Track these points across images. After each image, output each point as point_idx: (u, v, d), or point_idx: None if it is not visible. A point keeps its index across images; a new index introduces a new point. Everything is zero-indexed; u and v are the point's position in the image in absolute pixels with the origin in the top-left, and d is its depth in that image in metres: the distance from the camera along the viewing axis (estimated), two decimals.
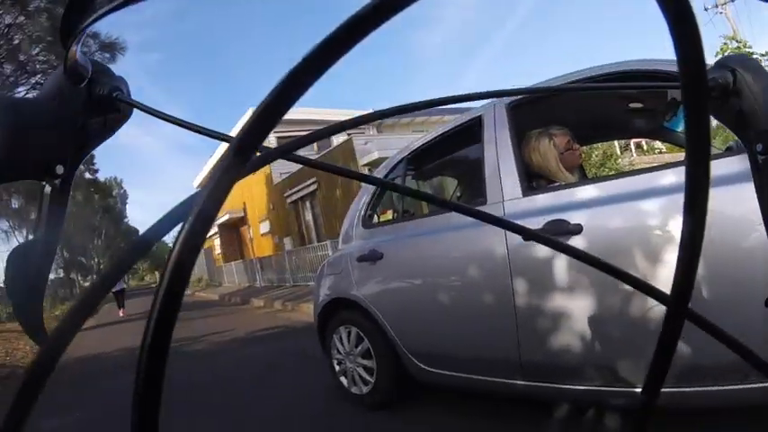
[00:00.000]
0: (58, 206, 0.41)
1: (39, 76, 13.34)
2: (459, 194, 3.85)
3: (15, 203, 16.11)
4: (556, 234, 1.92)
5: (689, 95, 0.19)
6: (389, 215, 2.93)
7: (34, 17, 12.03)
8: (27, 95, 12.48)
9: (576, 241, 1.87)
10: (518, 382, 2.13)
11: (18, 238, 22.11)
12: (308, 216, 16.11)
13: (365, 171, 12.30)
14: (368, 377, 2.88)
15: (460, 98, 0.40)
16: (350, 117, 0.41)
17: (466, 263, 2.30)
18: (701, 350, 1.47)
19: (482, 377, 2.29)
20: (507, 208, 2.18)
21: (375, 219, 3.11)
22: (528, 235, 0.37)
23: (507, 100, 2.33)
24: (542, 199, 2.11)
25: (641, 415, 0.27)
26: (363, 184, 3.11)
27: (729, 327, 0.28)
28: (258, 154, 0.20)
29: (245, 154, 0.17)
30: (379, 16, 0.15)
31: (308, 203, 16.07)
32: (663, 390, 0.26)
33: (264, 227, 20.01)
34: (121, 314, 14.73)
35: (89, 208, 29.20)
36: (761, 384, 1.53)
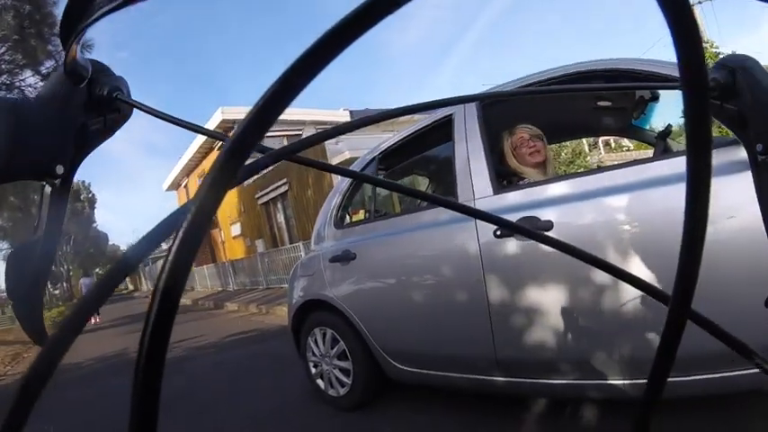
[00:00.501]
0: (58, 206, 0.41)
1: (4, 76, 12.94)
2: (431, 192, 3.86)
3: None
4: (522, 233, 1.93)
5: (690, 96, 0.18)
6: (361, 215, 2.92)
7: (0, 15, 11.64)
8: None
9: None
10: (496, 378, 2.14)
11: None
12: (280, 217, 15.99)
13: None
14: (344, 378, 2.86)
15: (437, 104, 0.41)
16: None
17: (438, 261, 2.30)
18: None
19: (459, 374, 2.30)
20: (478, 206, 2.18)
21: (347, 219, 3.10)
22: (509, 228, 0.37)
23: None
24: (513, 196, 2.12)
25: (644, 413, 0.27)
26: (336, 182, 3.10)
27: (728, 327, 0.27)
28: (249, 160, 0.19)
29: (239, 157, 0.17)
30: (374, 16, 0.16)
31: (279, 205, 15.95)
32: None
33: (236, 229, 19.78)
34: (95, 321, 14.38)
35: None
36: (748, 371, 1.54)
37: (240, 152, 0.17)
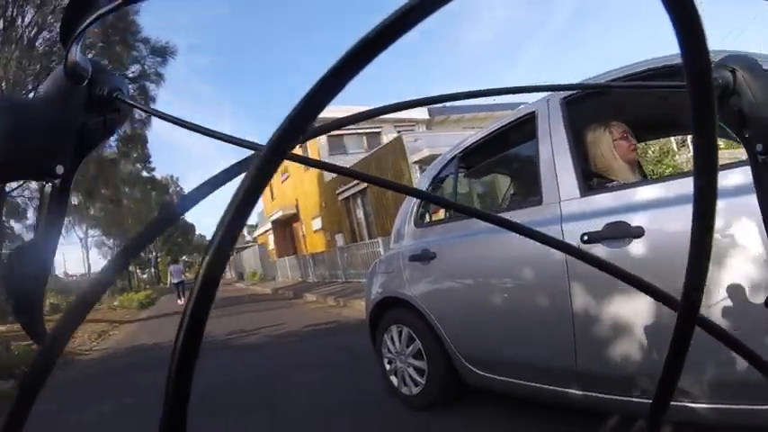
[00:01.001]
0: (58, 206, 0.41)
1: None
2: (512, 193, 3.76)
3: (75, 200, 16.89)
4: (616, 237, 1.83)
5: (696, 96, 0.19)
6: (441, 214, 2.88)
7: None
8: None
9: (638, 245, 1.77)
10: (573, 391, 2.03)
11: (78, 233, 23.22)
12: (360, 213, 16.21)
13: (415, 169, 12.27)
14: (418, 378, 2.85)
15: (441, 98, 0.41)
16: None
17: (521, 265, 2.22)
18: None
19: (536, 384, 2.20)
20: (564, 208, 2.08)
21: (427, 218, 3.07)
22: (540, 239, 0.37)
23: (562, 94, 2.23)
24: (601, 199, 1.99)
25: (653, 421, 0.27)
26: (418, 181, 3.08)
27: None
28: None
29: (280, 154, 0.18)
30: (409, 20, 0.16)
31: (359, 200, 16.17)
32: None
33: (317, 223, 20.27)
34: (180, 302, 16.45)
35: (146, 204, 30.49)
36: None
37: (278, 153, 0.18)
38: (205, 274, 0.18)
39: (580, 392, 2.01)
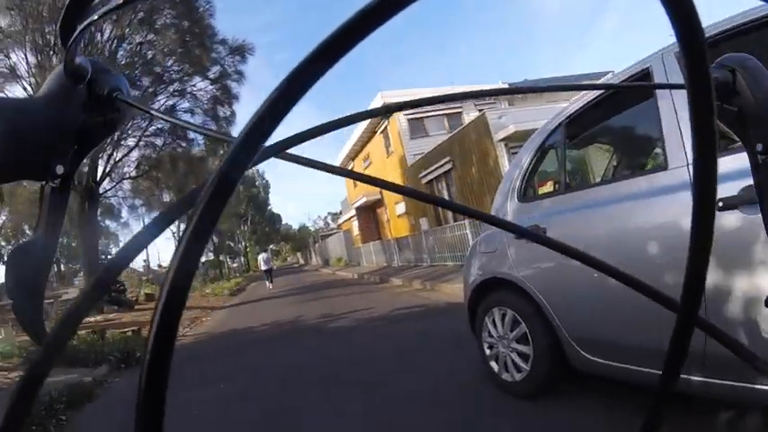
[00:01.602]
0: (58, 206, 0.41)
1: (176, 84, 14.66)
2: (615, 164, 3.45)
3: (166, 197, 17.85)
4: (751, 202, 1.58)
5: (695, 96, 0.19)
6: (550, 187, 2.66)
7: (162, 33, 13.22)
8: (171, 103, 13.77)
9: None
10: (695, 378, 1.81)
11: (171, 227, 24.80)
12: (444, 195, 15.98)
13: (501, 146, 11.87)
14: (522, 363, 2.69)
15: (436, 99, 0.40)
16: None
17: (643, 239, 1.97)
18: None
19: (653, 370, 1.97)
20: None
21: (532, 192, 2.85)
22: (520, 234, 0.37)
23: (677, 47, 1.97)
24: (734, 161, 1.72)
25: (653, 418, 0.27)
26: (519, 153, 2.89)
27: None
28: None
29: (253, 147, 0.17)
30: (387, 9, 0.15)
31: (443, 183, 15.95)
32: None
33: (400, 208, 20.30)
34: (270, 287, 18.24)
35: (235, 197, 31.90)
36: None
37: (253, 144, 0.17)
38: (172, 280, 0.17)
39: (699, 379, 1.79)
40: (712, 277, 1.71)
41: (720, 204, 1.68)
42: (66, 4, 0.35)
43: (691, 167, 1.83)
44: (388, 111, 0.38)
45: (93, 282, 0.19)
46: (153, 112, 0.46)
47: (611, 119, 2.80)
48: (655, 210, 1.96)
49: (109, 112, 0.43)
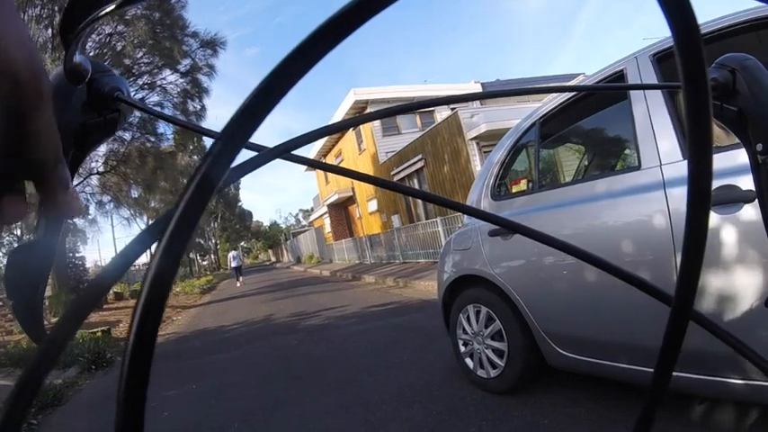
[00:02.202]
0: None
1: (145, 76, 14.36)
2: (587, 163, 3.50)
3: (135, 193, 17.45)
4: (725, 202, 1.63)
5: (691, 96, 0.19)
6: (523, 185, 2.68)
7: (133, 24, 12.95)
8: (141, 96, 13.48)
9: (750, 210, 1.58)
10: (675, 373, 1.83)
11: (139, 225, 24.34)
12: None
13: (473, 145, 11.95)
14: (497, 360, 2.71)
15: (461, 98, 0.41)
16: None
17: (619, 235, 2.01)
18: None
19: (631, 366, 2.02)
20: (666, 173, 1.88)
21: (505, 189, 2.87)
22: (495, 222, 0.36)
23: (652, 50, 2.04)
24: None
25: (646, 415, 0.27)
26: (493, 151, 2.90)
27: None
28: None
29: (230, 152, 0.16)
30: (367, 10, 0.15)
31: (414, 180, 15.99)
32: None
33: (372, 205, 20.30)
34: (239, 284, 18.69)
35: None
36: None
37: (230, 149, 0.16)
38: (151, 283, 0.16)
39: (683, 375, 1.82)
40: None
41: None
42: (67, 3, 0.35)
43: (663, 168, 1.88)
44: (368, 119, 0.36)
45: (77, 303, 0.18)
46: (152, 111, 0.45)
47: (585, 119, 2.84)
48: (628, 208, 2.00)
49: (109, 113, 0.43)
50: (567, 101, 2.47)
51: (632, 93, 2.13)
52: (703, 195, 0.21)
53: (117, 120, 0.43)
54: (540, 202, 2.46)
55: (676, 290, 0.23)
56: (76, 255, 15.02)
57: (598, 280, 2.09)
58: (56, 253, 0.40)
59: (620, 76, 2.16)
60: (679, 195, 1.79)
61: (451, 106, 17.81)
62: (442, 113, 17.75)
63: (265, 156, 0.25)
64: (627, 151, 2.93)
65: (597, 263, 0.32)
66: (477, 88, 19.74)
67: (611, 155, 3.31)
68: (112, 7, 0.33)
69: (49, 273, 0.40)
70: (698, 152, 0.20)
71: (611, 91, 2.41)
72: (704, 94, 0.19)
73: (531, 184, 2.64)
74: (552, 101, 2.56)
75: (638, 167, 1.99)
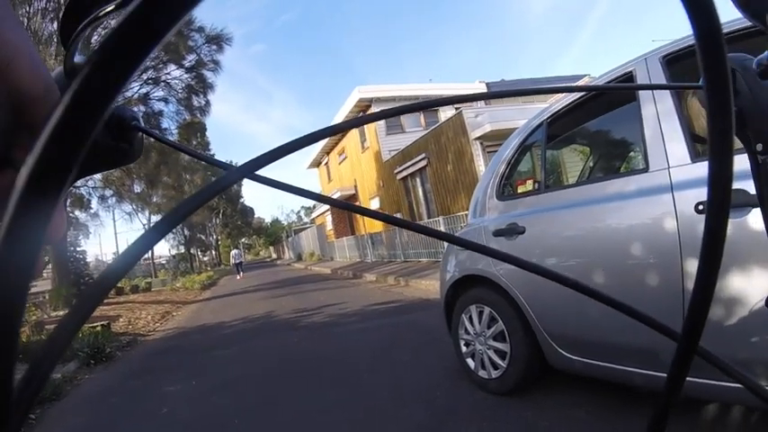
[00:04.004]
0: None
1: (150, 71, 14.36)
2: (592, 164, 3.48)
3: (138, 188, 17.47)
4: (734, 206, 1.60)
5: (713, 95, 0.19)
6: (529, 186, 2.66)
7: None
8: (145, 91, 13.43)
9: (756, 216, 1.55)
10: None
11: (141, 220, 24.38)
12: (419, 192, 16.00)
13: (477, 144, 11.92)
14: (498, 361, 2.69)
15: (464, 98, 0.39)
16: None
17: (626, 238, 1.99)
18: None
19: (637, 369, 2.00)
20: (675, 175, 1.85)
21: (511, 189, 2.85)
22: (484, 252, 0.33)
23: (662, 52, 2.01)
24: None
25: None
26: (499, 151, 2.88)
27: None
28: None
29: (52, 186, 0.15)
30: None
31: (417, 180, 15.95)
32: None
33: (375, 203, 20.27)
34: (239, 278, 20.72)
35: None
36: None
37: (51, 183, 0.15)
38: None
39: (689, 378, 1.78)
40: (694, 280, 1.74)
41: (701, 207, 1.71)
42: (67, 4, 0.35)
43: (672, 170, 1.86)
44: (370, 119, 0.34)
45: (83, 298, 0.18)
46: (173, 144, 0.45)
47: (593, 120, 2.82)
48: (634, 211, 1.97)
49: (122, 142, 0.40)
50: (576, 101, 2.44)
51: (641, 95, 2.10)
52: (722, 202, 0.21)
53: (126, 152, 0.40)
54: (547, 202, 2.44)
55: (684, 324, 0.24)
56: (78, 249, 14.98)
57: (603, 282, 2.07)
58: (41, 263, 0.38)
59: (629, 77, 2.14)
60: (686, 198, 1.77)
61: (456, 106, 17.81)
62: (446, 113, 17.70)
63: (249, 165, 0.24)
64: (634, 153, 2.91)
65: (601, 297, 0.31)
66: (482, 88, 19.70)
67: (617, 157, 3.29)
68: (112, 7, 0.33)
69: (35, 278, 0.38)
70: (720, 151, 0.20)
71: (625, 91, 2.38)
72: (726, 94, 0.19)
73: (537, 185, 2.62)
74: (560, 101, 2.54)
75: (646, 170, 1.97)
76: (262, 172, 0.28)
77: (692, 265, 1.73)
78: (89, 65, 0.14)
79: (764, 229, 0.48)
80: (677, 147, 1.88)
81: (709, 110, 0.19)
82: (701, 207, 1.70)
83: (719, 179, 0.21)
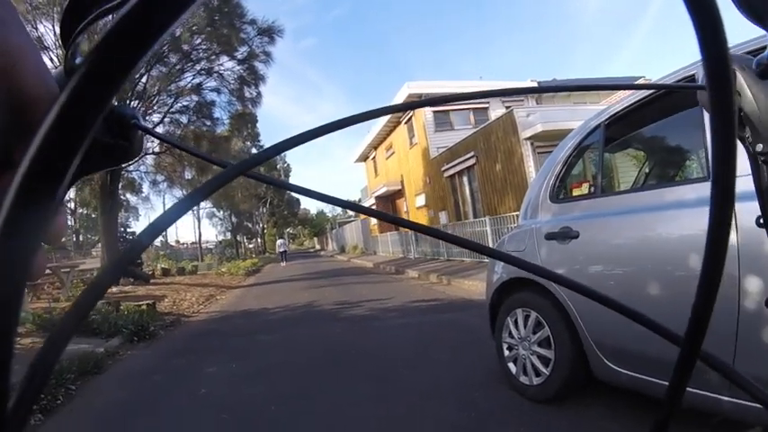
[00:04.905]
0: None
1: (203, 62, 14.68)
2: (648, 171, 3.34)
3: (189, 174, 17.89)
4: None
5: (716, 95, 0.19)
6: (585, 189, 2.58)
7: (191, 10, 13.24)
8: (198, 81, 13.70)
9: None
10: (723, 397, 1.72)
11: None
12: (466, 190, 15.83)
13: (527, 145, 11.69)
14: (541, 367, 2.63)
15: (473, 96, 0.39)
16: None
17: (683, 248, 1.90)
18: None
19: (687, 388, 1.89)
20: (740, 185, 1.73)
21: (565, 192, 2.77)
22: (495, 256, 0.33)
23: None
24: None
25: None
26: (554, 151, 2.80)
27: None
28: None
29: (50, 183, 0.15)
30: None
31: (465, 178, 15.79)
32: None
33: (420, 200, 20.21)
34: (283, 265, 22.40)
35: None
36: None
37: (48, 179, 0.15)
38: None
39: (731, 400, 1.71)
40: (750, 295, 1.65)
41: (762, 221, 1.60)
42: (67, 4, 0.35)
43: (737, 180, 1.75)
44: (409, 107, 0.35)
45: (118, 257, 0.18)
46: (169, 140, 0.47)
47: (652, 124, 2.70)
48: (691, 221, 1.88)
49: (121, 140, 0.40)
50: (635, 103, 2.34)
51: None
52: (725, 203, 0.21)
53: (126, 150, 0.40)
54: (604, 206, 2.36)
55: (687, 329, 0.23)
56: (128, 230, 15.54)
57: (660, 293, 1.98)
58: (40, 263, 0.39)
59: (691, 80, 2.03)
60: (748, 210, 1.67)
61: (506, 104, 17.53)
62: (496, 111, 17.47)
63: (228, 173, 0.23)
64: (690, 161, 2.77)
65: (606, 302, 0.30)
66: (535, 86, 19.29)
67: (674, 164, 3.15)
68: (113, 5, 0.32)
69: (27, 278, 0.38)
70: (722, 150, 0.20)
71: (636, 90, 2.29)
72: (729, 94, 0.19)
73: (593, 188, 2.53)
74: (619, 102, 2.45)
75: (707, 178, 1.87)
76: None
77: (751, 282, 1.64)
78: (86, 63, 0.14)
79: (765, 229, 0.46)
80: (741, 155, 1.78)
81: (712, 110, 0.19)
82: (761, 221, 1.61)
83: (722, 179, 0.21)
